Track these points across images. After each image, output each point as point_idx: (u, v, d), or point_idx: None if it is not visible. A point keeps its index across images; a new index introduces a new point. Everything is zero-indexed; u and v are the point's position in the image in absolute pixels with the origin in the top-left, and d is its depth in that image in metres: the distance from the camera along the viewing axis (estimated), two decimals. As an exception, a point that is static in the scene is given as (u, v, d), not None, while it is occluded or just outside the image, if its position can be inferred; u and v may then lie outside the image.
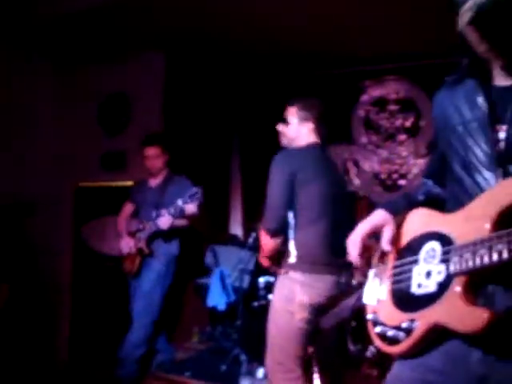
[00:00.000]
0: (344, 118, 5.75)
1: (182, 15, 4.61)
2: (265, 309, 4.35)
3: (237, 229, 6.02)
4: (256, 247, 4.90)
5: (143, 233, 4.31)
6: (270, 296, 4.30)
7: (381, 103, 5.52)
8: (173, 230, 4.26)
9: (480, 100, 1.41)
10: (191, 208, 4.19)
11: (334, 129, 5.80)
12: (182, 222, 4.30)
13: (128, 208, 4.66)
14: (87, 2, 4.53)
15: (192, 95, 5.49)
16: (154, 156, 4.46)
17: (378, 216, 1.64)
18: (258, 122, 5.96)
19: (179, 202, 4.06)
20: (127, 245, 4.38)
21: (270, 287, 4.46)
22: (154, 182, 4.54)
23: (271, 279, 4.53)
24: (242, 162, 6.10)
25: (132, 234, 4.40)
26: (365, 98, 5.66)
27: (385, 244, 1.59)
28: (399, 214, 1.63)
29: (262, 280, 4.68)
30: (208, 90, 5.68)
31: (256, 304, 4.51)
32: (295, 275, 2.75)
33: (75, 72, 5.57)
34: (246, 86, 6.04)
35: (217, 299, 4.92)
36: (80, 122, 5.48)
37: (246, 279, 4.95)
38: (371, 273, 1.72)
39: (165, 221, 4.14)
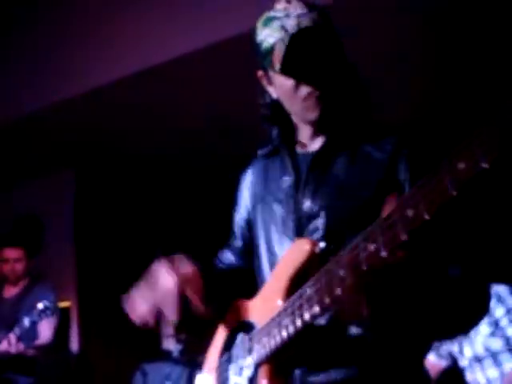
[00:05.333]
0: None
1: (89, 131, 4.61)
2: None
3: (169, 343, 5.70)
4: (186, 360, 4.63)
5: None
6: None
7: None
8: (25, 359, 3.46)
9: (289, 170, 1.35)
10: (45, 332, 3.44)
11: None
12: (29, 352, 3.46)
13: None
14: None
15: (107, 211, 5.37)
16: (14, 259, 3.82)
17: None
18: (182, 232, 5.86)
19: (25, 321, 3.29)
20: None
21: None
22: (9, 292, 3.85)
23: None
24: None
25: None
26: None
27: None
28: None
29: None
30: (125, 204, 5.58)
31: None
32: None
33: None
34: (166, 198, 5.96)
35: (146, 425, 4.53)
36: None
37: (178, 398, 4.60)
38: (202, 378, 1.50)
39: (7, 345, 3.29)
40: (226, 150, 5.25)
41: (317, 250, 1.14)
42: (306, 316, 1.07)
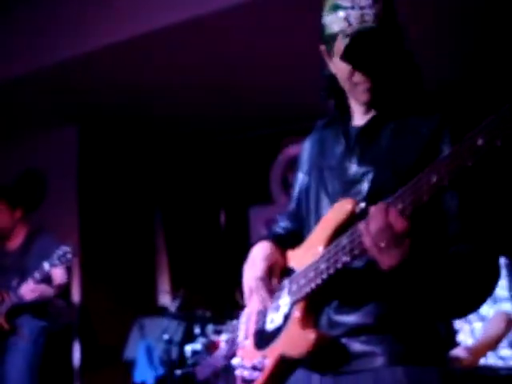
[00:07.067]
0: (265, 180, 5.86)
1: (94, 88, 4.67)
2: (189, 377, 4.24)
3: (165, 299, 5.89)
4: (182, 315, 4.82)
5: (2, 306, 3.67)
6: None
7: (297, 162, 5.60)
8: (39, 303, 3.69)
9: (341, 139, 1.48)
10: (59, 274, 3.65)
11: (254, 190, 5.91)
12: (49, 292, 3.67)
13: None
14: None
15: (109, 169, 5.49)
16: None
17: (269, 251, 1.54)
18: (180, 192, 6.00)
19: (46, 266, 3.46)
20: None
21: (196, 355, 4.35)
22: (12, 245, 3.97)
23: (198, 347, 4.42)
24: (166, 229, 6.05)
25: None
26: (281, 157, 5.77)
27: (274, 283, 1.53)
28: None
29: (188, 348, 4.55)
30: (126, 163, 5.69)
31: (180, 372, 4.35)
32: None
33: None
34: (165, 158, 6.07)
35: (145, 374, 4.75)
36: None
37: (174, 350, 4.80)
38: (243, 316, 1.68)
39: (29, 290, 3.53)
40: (224, 114, 5.37)
41: (357, 209, 1.29)
42: (339, 263, 1.25)
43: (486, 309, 2.90)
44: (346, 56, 1.35)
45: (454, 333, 3.08)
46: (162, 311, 5.55)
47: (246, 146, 5.91)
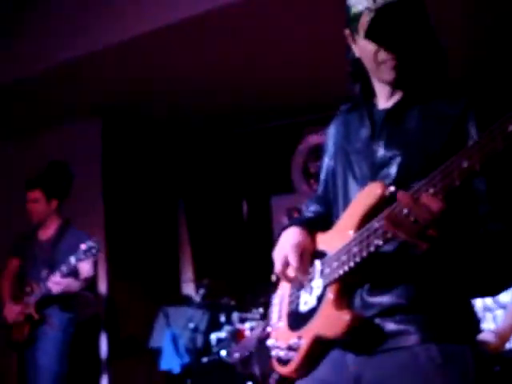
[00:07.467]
0: (286, 169, 5.89)
1: (117, 82, 4.72)
2: (215, 364, 4.31)
3: (189, 289, 5.96)
4: (206, 304, 4.89)
5: (32, 296, 3.76)
6: (223, 352, 4.28)
7: (318, 151, 5.64)
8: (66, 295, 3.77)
9: (366, 122, 1.49)
10: (86, 268, 3.74)
11: (276, 180, 5.95)
12: (75, 285, 3.76)
13: (13, 265, 4.10)
14: (19, 72, 4.59)
15: (133, 162, 5.55)
16: (32, 200, 3.98)
17: (299, 236, 1.55)
18: (203, 183, 6.06)
19: (72, 260, 3.53)
20: (12, 312, 3.83)
21: (222, 343, 4.41)
22: (44, 235, 4.06)
23: (223, 335, 4.48)
24: (189, 220, 6.11)
25: (18, 298, 3.87)
26: (302, 146, 5.79)
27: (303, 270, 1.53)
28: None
29: (213, 337, 4.61)
30: (150, 155, 5.75)
31: (206, 360, 4.42)
32: None
33: (13, 140, 5.56)
34: (188, 150, 6.13)
35: (170, 362, 4.81)
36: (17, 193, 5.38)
37: (199, 338, 4.87)
38: (276, 299, 1.72)
39: (55, 283, 3.60)
40: (246, 104, 5.39)
41: (387, 193, 1.29)
42: (372, 246, 1.27)
43: (507, 296, 2.90)
44: (370, 31, 1.35)
45: (478, 320, 3.09)
46: (187, 301, 5.64)
47: (268, 136, 5.93)
